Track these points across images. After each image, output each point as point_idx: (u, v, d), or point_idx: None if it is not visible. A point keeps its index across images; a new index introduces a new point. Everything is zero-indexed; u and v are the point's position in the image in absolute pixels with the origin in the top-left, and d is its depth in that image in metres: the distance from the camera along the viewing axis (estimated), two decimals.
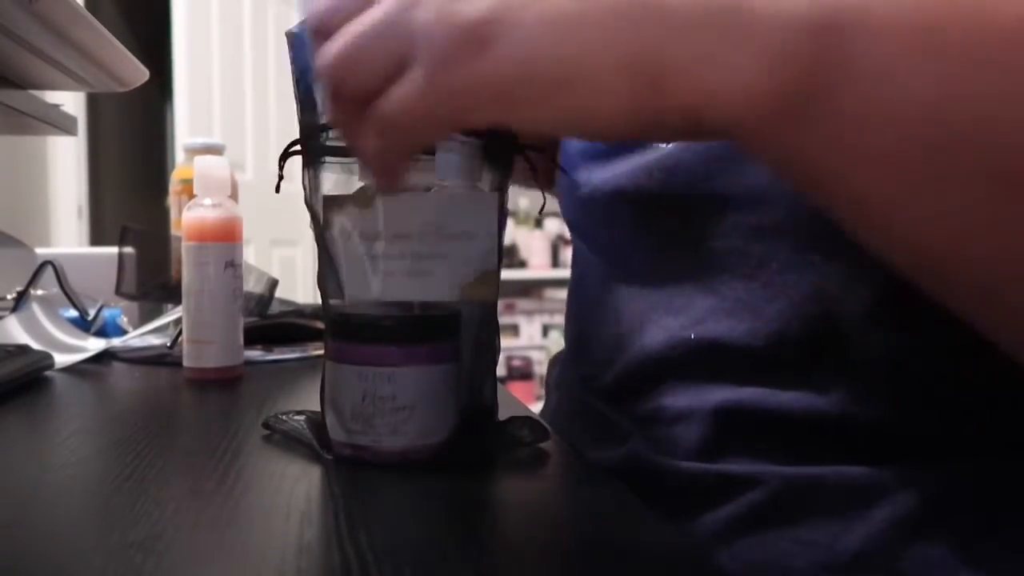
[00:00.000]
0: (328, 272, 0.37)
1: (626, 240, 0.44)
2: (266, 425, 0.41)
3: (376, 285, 0.36)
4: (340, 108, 0.29)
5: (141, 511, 0.30)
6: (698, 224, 0.39)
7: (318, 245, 0.38)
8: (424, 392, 0.35)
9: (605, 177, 0.43)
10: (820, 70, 0.23)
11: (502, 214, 0.37)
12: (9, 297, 0.74)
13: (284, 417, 0.41)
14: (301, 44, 0.36)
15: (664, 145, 0.41)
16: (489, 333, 0.38)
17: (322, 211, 0.37)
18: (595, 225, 0.47)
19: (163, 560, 0.26)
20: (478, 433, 0.38)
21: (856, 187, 0.25)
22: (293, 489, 0.33)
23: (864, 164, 0.24)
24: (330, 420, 0.36)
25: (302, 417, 0.40)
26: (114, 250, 0.80)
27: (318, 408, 0.38)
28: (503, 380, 2.67)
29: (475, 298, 0.37)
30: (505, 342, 2.77)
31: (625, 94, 0.25)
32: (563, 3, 0.24)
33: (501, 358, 0.38)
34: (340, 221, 0.37)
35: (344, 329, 0.36)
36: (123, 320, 0.84)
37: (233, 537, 0.28)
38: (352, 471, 0.35)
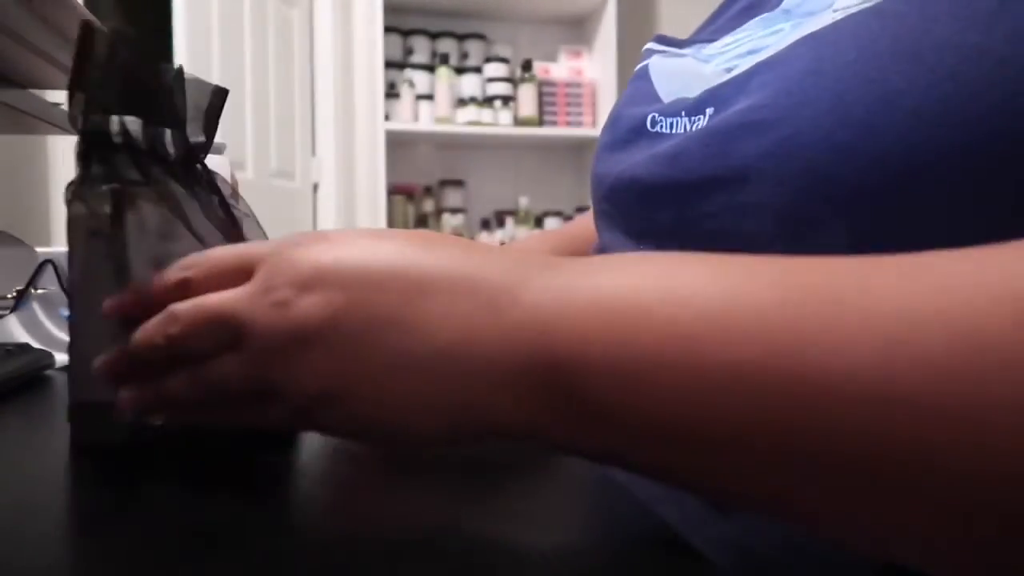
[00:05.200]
0: (109, 272, 0.36)
1: (640, 225, 0.46)
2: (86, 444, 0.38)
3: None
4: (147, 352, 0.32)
5: (141, 510, 0.30)
6: (694, 208, 0.40)
7: (102, 244, 0.36)
8: None
9: (623, 167, 0.46)
10: (552, 401, 0.26)
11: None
12: (9, 296, 0.74)
13: None
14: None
15: (673, 133, 0.43)
16: None
17: (106, 207, 0.36)
18: (619, 213, 0.49)
19: (163, 560, 0.26)
20: None
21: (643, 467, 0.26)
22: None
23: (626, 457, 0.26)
24: None
25: None
26: None
27: None
28: None
29: None
30: None
31: (447, 432, 0.28)
32: (395, 363, 0.28)
33: None
34: (133, 219, 0.37)
35: None
36: None
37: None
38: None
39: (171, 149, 0.39)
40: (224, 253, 0.33)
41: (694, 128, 0.42)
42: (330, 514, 0.31)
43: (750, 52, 0.43)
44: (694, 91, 0.44)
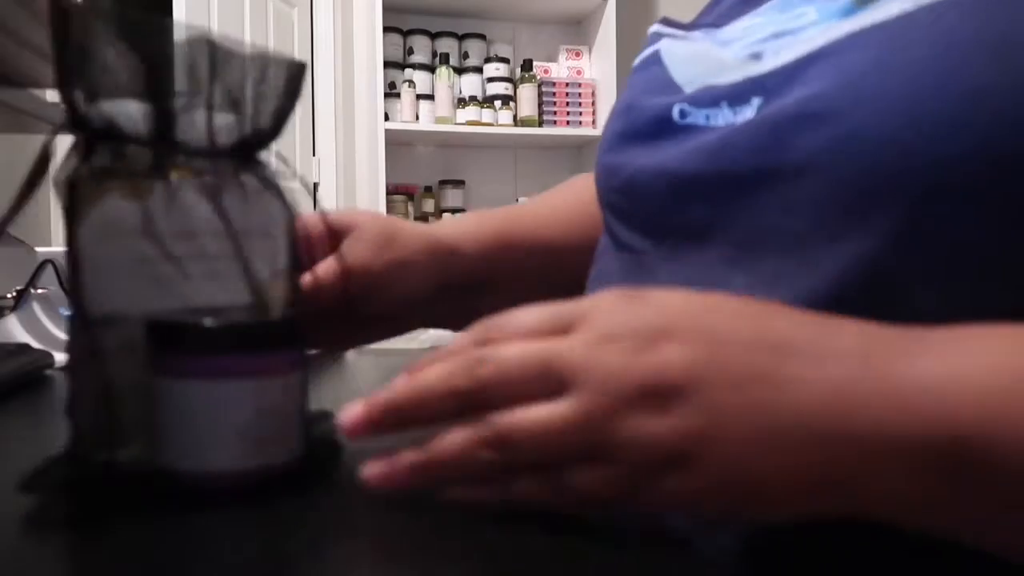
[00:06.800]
0: (87, 276, 0.32)
1: (666, 220, 0.43)
2: (29, 487, 0.31)
3: (173, 289, 0.33)
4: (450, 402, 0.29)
5: (141, 510, 0.30)
6: (734, 202, 0.38)
7: (74, 245, 0.32)
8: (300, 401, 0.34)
9: (648, 160, 0.43)
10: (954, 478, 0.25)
11: (290, 209, 0.36)
12: (9, 296, 0.74)
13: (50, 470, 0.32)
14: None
15: (712, 125, 0.41)
16: None
17: (80, 204, 0.32)
18: (639, 207, 0.46)
19: (160, 560, 0.26)
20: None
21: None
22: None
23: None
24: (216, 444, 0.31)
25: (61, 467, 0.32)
26: None
27: None
28: None
29: (275, 298, 0.35)
30: None
31: (803, 506, 0.27)
32: (760, 423, 0.26)
33: None
34: (109, 217, 0.32)
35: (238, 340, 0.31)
36: None
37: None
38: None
39: (218, 136, 0.34)
40: (529, 314, 0.30)
41: (738, 120, 0.39)
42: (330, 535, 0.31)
43: (775, 36, 0.41)
44: (721, 78, 0.41)
